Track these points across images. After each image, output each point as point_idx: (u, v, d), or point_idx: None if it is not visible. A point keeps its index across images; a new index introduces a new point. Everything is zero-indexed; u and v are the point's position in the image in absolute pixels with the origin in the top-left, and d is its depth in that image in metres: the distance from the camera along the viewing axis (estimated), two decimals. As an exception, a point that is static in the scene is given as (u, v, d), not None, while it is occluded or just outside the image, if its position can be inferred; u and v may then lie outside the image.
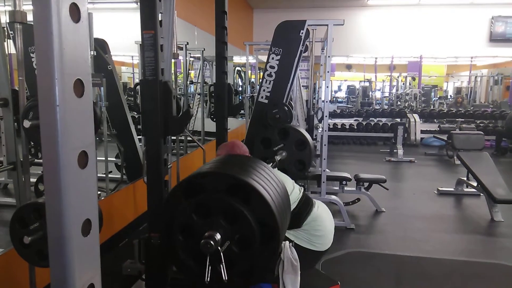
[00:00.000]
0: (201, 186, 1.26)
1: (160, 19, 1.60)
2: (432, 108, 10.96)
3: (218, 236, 1.17)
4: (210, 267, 1.20)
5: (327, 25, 3.76)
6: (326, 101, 3.89)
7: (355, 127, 8.71)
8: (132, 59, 6.53)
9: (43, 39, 0.58)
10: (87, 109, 0.65)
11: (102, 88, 3.26)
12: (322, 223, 2.18)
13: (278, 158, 2.65)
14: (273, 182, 1.34)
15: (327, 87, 3.90)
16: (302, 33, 3.38)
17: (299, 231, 2.09)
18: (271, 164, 2.30)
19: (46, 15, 0.58)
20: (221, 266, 1.18)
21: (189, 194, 1.28)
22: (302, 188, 2.34)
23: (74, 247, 0.64)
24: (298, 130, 3.13)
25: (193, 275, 1.31)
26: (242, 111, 6.78)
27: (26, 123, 1.46)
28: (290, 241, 1.96)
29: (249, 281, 1.34)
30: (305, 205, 2.17)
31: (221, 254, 1.17)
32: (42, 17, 0.58)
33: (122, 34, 4.26)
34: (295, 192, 2.18)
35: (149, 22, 1.48)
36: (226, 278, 1.18)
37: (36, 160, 2.39)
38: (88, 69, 0.66)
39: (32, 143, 2.32)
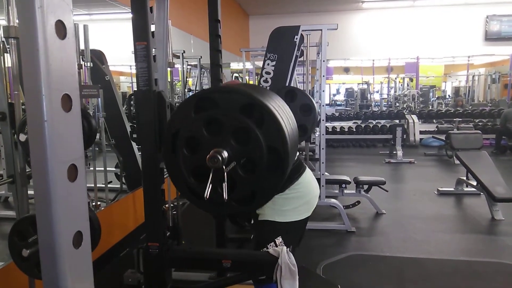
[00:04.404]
0: (214, 102, 1.21)
1: (153, 29, 1.62)
2: (430, 108, 10.97)
3: (225, 154, 1.13)
4: (211, 186, 1.17)
5: (321, 30, 3.78)
6: (323, 105, 3.91)
7: (354, 130, 8.73)
8: (131, 69, 6.56)
9: (30, 55, 0.60)
10: (75, 124, 0.67)
11: (99, 98, 3.29)
12: (309, 186, 2.09)
13: None
14: (287, 113, 1.30)
15: (323, 91, 3.92)
16: (296, 38, 3.40)
17: (282, 199, 1.96)
18: None
19: (31, 33, 0.59)
20: (224, 185, 1.15)
21: (200, 109, 1.23)
22: (298, 153, 2.26)
23: (66, 259, 0.65)
24: (306, 94, 3.06)
25: (193, 193, 1.27)
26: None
27: (22, 137, 1.47)
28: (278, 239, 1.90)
29: (247, 208, 1.31)
30: (297, 168, 2.07)
31: (225, 173, 1.14)
32: (28, 34, 0.60)
33: (120, 44, 4.30)
34: None
35: (141, 33, 1.50)
36: (227, 198, 1.15)
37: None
38: (76, 84, 0.67)
39: (29, 157, 2.33)
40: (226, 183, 1.15)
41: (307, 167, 2.21)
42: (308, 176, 2.16)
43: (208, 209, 1.40)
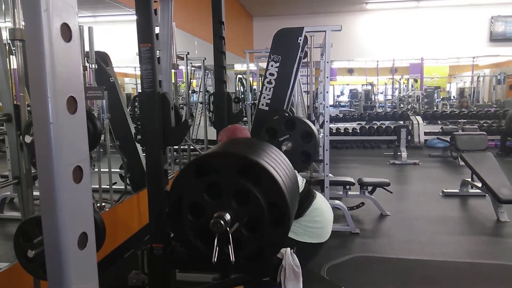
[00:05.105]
0: (211, 166, 1.26)
1: (157, 31, 1.62)
2: (435, 109, 10.92)
3: (228, 217, 1.17)
4: (217, 248, 1.20)
5: (325, 31, 3.78)
6: (327, 106, 3.90)
7: (358, 131, 8.70)
8: (135, 70, 6.58)
9: (35, 58, 0.60)
10: (80, 125, 0.67)
11: (104, 100, 3.31)
12: (322, 214, 2.16)
13: (284, 148, 2.64)
14: (283, 164, 1.34)
15: (327, 92, 3.91)
16: (300, 39, 3.40)
17: (298, 223, 2.07)
18: None
19: (37, 35, 0.60)
20: (229, 247, 1.18)
21: (199, 174, 1.28)
22: (305, 180, 2.32)
23: (71, 260, 0.66)
24: (305, 122, 3.10)
25: (201, 255, 1.30)
26: (245, 118, 6.81)
27: (28, 139, 1.48)
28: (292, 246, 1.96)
29: (255, 264, 1.33)
30: (307, 196, 2.15)
31: (230, 235, 1.17)
32: (34, 37, 0.60)
33: (124, 46, 4.32)
34: (298, 182, 2.16)
35: (145, 35, 1.51)
36: (234, 259, 1.18)
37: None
38: (81, 86, 0.68)
39: (34, 158, 2.35)
40: (231, 244, 1.19)
41: (316, 193, 2.28)
42: (319, 202, 2.23)
43: (218, 270, 1.44)
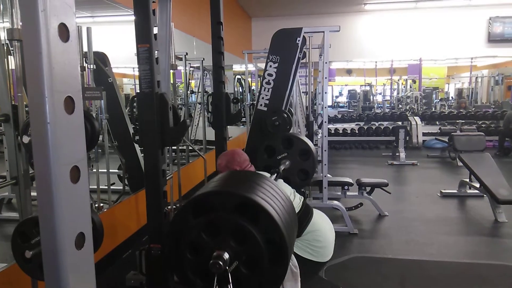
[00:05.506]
0: (209, 205, 1.28)
1: (156, 32, 1.63)
2: (433, 110, 10.94)
3: (226, 256, 1.18)
4: (217, 287, 1.21)
5: (323, 31, 3.79)
6: (325, 107, 3.91)
7: (357, 132, 8.72)
8: (134, 71, 6.57)
9: (33, 58, 0.60)
10: (78, 126, 0.67)
11: (102, 100, 3.30)
12: (323, 234, 2.20)
13: (282, 167, 2.65)
14: (280, 198, 1.35)
15: (326, 92, 3.92)
16: (298, 40, 3.40)
17: (300, 241, 2.10)
18: (275, 175, 2.30)
19: (34, 35, 0.60)
20: (229, 286, 1.19)
21: (197, 213, 1.30)
22: (302, 197, 2.35)
23: (68, 260, 0.65)
24: (302, 140, 3.13)
25: None
26: (243, 119, 6.81)
27: (25, 139, 1.48)
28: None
29: None
30: (305, 214, 2.18)
31: (229, 274, 1.18)
32: (31, 37, 0.60)
33: (122, 46, 4.31)
34: (295, 201, 2.20)
35: (143, 35, 1.51)
36: None
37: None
38: (79, 86, 0.68)
39: (32, 158, 2.34)
40: (231, 285, 1.19)
41: (314, 211, 2.31)
42: (319, 222, 2.27)
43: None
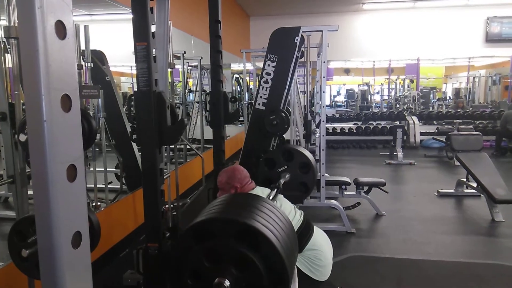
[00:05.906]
0: (210, 231, 1.28)
1: (153, 30, 1.62)
2: (431, 110, 10.97)
3: (227, 283, 1.19)
4: None
5: (321, 31, 3.79)
6: (323, 106, 3.91)
7: (355, 131, 8.72)
8: (131, 69, 6.55)
9: (29, 56, 0.60)
10: (75, 124, 0.67)
11: (100, 99, 3.29)
12: (324, 254, 2.23)
13: (282, 181, 2.64)
14: (280, 222, 1.36)
15: (324, 92, 3.92)
16: (297, 39, 3.40)
17: (301, 256, 2.13)
18: (276, 190, 2.29)
19: (31, 33, 0.59)
20: None
21: (199, 238, 1.30)
22: (302, 213, 2.35)
23: (65, 259, 0.65)
24: (303, 153, 3.12)
25: None
26: (241, 118, 6.81)
27: (22, 137, 1.47)
28: None
29: None
30: (306, 230, 2.21)
31: None
32: (28, 34, 0.60)
33: (120, 44, 4.30)
34: (296, 218, 2.21)
35: (141, 34, 1.50)
36: None
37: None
38: (76, 84, 0.67)
39: (29, 157, 2.33)
40: None
41: (315, 228, 2.32)
42: (319, 240, 2.28)
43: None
